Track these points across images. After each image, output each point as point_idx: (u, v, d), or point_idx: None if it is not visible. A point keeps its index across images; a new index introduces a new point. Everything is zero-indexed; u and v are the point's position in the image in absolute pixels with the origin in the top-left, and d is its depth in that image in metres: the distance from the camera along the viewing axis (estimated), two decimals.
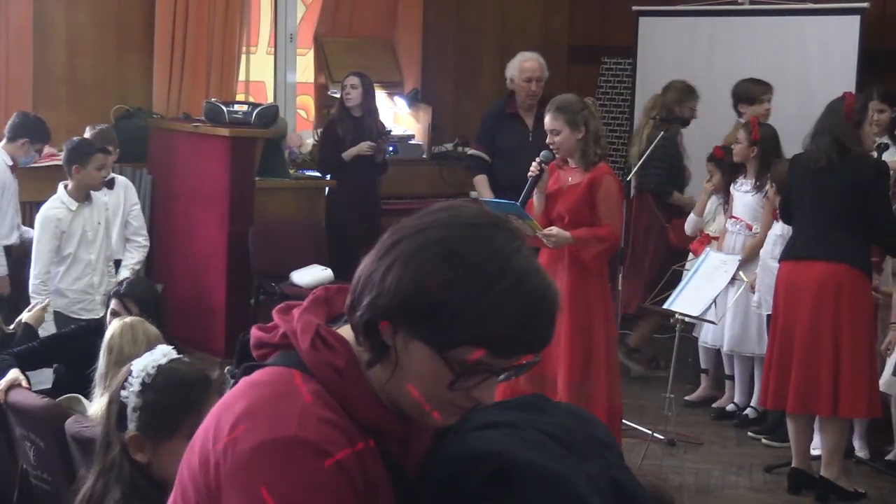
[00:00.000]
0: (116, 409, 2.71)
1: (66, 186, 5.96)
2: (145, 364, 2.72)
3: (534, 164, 5.31)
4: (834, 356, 5.17)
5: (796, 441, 5.40)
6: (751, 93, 6.73)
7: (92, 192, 5.99)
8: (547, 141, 5.32)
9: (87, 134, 6.43)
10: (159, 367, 2.72)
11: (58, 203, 5.93)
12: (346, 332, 1.61)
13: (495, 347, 1.50)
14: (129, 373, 2.73)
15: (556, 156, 5.32)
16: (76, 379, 4.41)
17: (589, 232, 5.22)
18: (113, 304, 4.57)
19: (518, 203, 5.22)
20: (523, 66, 6.85)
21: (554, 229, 5.21)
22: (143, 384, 2.69)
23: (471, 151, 7.21)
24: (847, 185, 5.18)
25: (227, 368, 3.31)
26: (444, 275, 1.49)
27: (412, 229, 1.55)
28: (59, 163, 7.00)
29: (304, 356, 1.59)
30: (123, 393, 2.70)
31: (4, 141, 6.38)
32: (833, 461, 5.29)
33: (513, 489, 1.54)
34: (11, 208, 6.41)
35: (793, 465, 5.41)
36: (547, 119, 5.29)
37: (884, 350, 5.52)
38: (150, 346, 3.80)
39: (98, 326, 4.74)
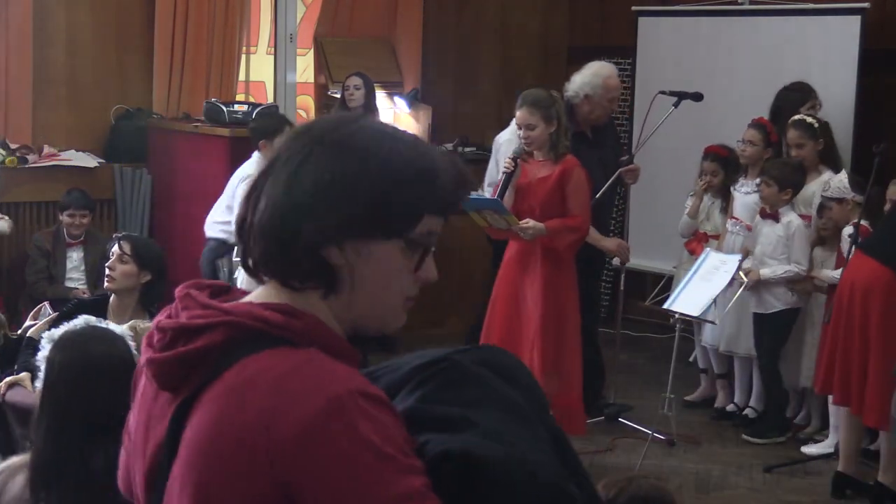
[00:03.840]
0: None
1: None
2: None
3: (507, 159, 5.53)
4: (862, 356, 5.12)
5: (845, 442, 5.35)
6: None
7: None
8: (521, 136, 5.47)
9: None
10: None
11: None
12: (266, 295, 1.52)
13: (446, 210, 1.53)
14: None
15: (526, 150, 5.47)
16: None
17: (561, 223, 5.41)
18: (114, 247, 4.70)
19: (496, 197, 5.41)
20: (608, 83, 6.20)
21: (530, 222, 5.39)
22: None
23: None
24: None
25: None
26: (366, 161, 1.48)
27: (298, 149, 1.50)
28: (59, 163, 7.05)
29: (283, 332, 1.45)
30: None
31: None
32: (891, 466, 5.18)
33: (482, 486, 1.47)
34: None
35: (839, 468, 5.33)
36: (521, 114, 5.45)
37: None
38: None
39: (96, 301, 4.79)
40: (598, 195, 5.96)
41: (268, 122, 6.40)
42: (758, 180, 6.22)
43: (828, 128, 6.31)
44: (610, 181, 6.13)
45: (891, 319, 5.09)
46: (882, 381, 5.04)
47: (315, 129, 1.55)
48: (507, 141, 6.48)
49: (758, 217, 6.20)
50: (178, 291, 1.55)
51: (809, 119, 6.21)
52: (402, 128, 1.58)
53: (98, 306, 4.77)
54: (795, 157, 6.21)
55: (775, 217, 6.06)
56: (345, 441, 1.36)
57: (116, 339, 3.04)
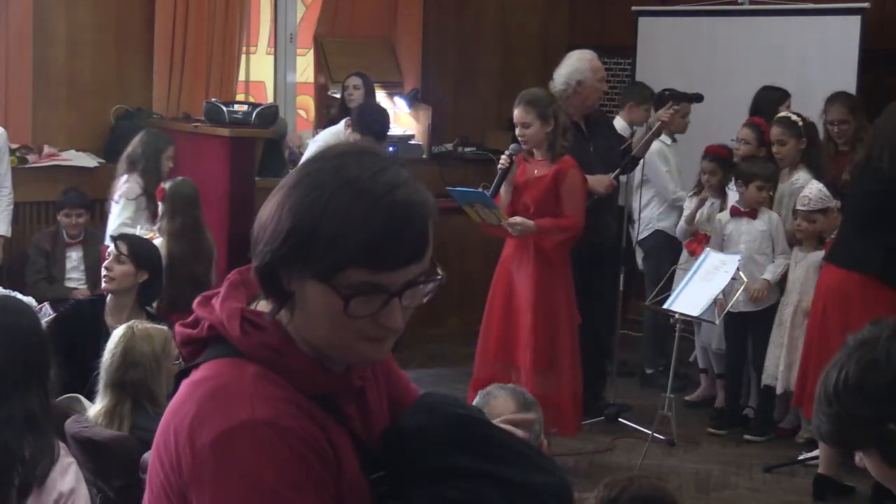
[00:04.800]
0: None
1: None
2: None
3: (503, 156, 5.54)
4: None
5: (824, 445, 5.36)
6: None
7: None
8: (517, 133, 5.50)
9: None
10: None
11: None
12: (265, 306, 1.66)
13: (372, 262, 1.54)
14: None
15: (524, 148, 5.49)
16: (83, 357, 4.43)
17: (552, 222, 5.43)
18: (110, 247, 4.70)
19: (489, 194, 5.45)
20: (594, 64, 6.21)
21: (518, 218, 5.42)
22: None
23: None
24: (868, 191, 5.17)
25: None
26: (312, 204, 1.55)
27: (292, 175, 1.63)
28: (59, 163, 7.05)
29: (237, 343, 1.62)
30: None
31: None
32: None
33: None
34: None
35: (819, 471, 5.34)
36: (517, 112, 5.48)
37: None
38: (162, 344, 3.82)
39: (93, 301, 4.80)
40: (634, 151, 6.18)
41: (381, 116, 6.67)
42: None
43: (814, 128, 6.28)
44: (650, 133, 6.25)
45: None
46: None
47: (309, 159, 1.68)
48: None
49: (727, 217, 6.21)
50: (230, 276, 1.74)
51: (794, 117, 6.21)
52: (383, 166, 1.59)
53: (95, 306, 4.78)
54: (776, 153, 6.21)
55: (753, 215, 6.08)
56: (238, 465, 1.52)
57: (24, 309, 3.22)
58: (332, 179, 1.57)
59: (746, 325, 6.17)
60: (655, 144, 6.66)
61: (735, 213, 6.21)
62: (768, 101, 6.72)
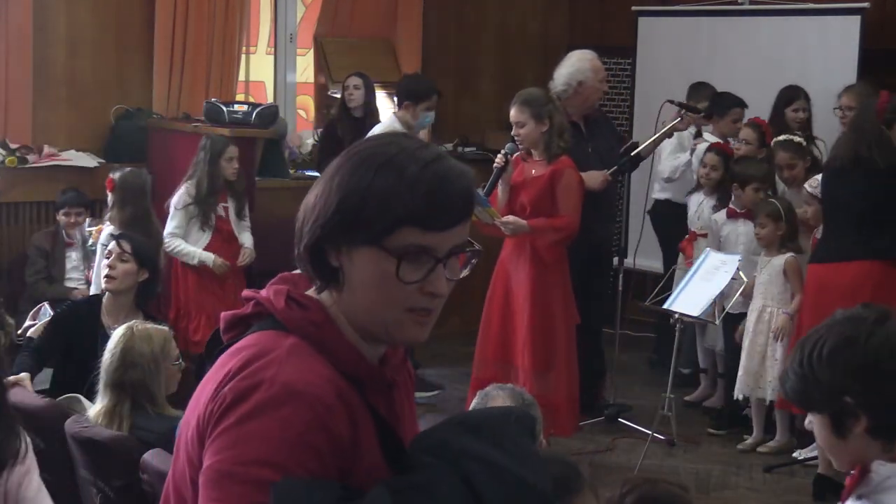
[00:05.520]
0: None
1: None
2: None
3: (499, 155, 5.55)
4: None
5: (822, 447, 5.32)
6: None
7: None
8: (512, 133, 5.52)
9: None
10: None
11: None
12: (312, 294, 1.75)
13: (424, 220, 1.64)
14: None
15: (520, 148, 5.49)
16: (80, 357, 4.43)
17: (546, 222, 5.46)
18: (110, 246, 4.68)
19: (483, 193, 5.44)
20: (595, 64, 6.23)
21: (511, 218, 5.45)
22: None
23: None
24: (859, 192, 5.17)
25: None
26: (361, 176, 1.66)
27: (334, 163, 1.73)
28: (59, 163, 7.05)
29: (280, 316, 1.70)
30: None
31: None
32: None
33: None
34: None
35: (819, 471, 5.34)
36: (512, 112, 5.50)
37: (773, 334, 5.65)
38: (162, 345, 3.82)
39: (89, 301, 4.78)
40: (647, 143, 6.20)
41: (418, 85, 6.70)
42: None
43: (811, 141, 6.36)
44: (665, 129, 6.26)
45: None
46: None
47: (349, 148, 1.76)
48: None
49: (723, 219, 6.22)
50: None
51: (797, 139, 6.24)
52: (423, 144, 1.73)
53: (92, 306, 4.75)
54: (786, 177, 6.24)
55: (749, 217, 6.09)
56: (246, 417, 1.59)
57: None
58: (375, 156, 1.68)
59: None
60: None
61: (732, 214, 6.21)
62: (781, 99, 6.80)
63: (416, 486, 1.59)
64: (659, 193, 7.19)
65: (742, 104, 6.87)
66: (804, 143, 6.21)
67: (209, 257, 6.39)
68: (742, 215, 6.16)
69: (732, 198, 6.29)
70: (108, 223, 5.96)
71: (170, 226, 6.37)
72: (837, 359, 2.15)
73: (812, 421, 2.24)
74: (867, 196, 5.18)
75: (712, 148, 6.62)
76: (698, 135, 6.86)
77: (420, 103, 6.53)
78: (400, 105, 6.64)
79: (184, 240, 6.37)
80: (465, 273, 1.74)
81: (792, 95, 6.78)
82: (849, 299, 5.14)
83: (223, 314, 1.80)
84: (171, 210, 6.37)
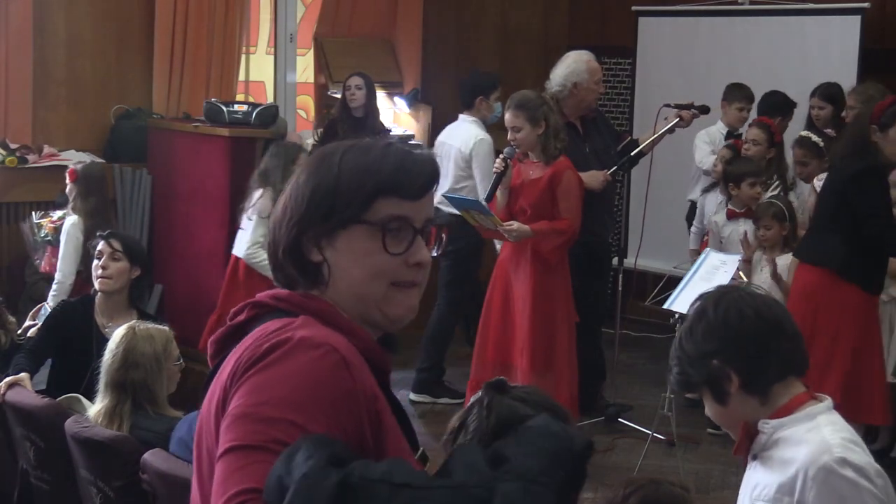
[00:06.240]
0: None
1: None
2: None
3: (498, 160, 5.54)
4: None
5: None
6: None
7: None
8: (508, 137, 5.51)
9: None
10: None
11: None
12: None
13: (398, 187, 1.70)
14: None
15: (517, 151, 5.49)
16: (74, 357, 4.43)
17: (548, 225, 5.44)
18: (100, 245, 4.64)
19: (485, 198, 5.46)
20: (591, 66, 6.17)
21: (514, 223, 5.43)
22: None
23: None
24: (833, 188, 5.18)
25: None
26: (328, 167, 1.73)
27: (294, 175, 1.80)
28: (59, 163, 7.04)
29: (285, 305, 1.71)
30: None
31: None
32: None
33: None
34: None
35: None
36: (507, 116, 5.49)
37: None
38: (164, 345, 3.82)
39: (82, 302, 4.77)
40: (643, 146, 6.19)
41: (483, 79, 6.77)
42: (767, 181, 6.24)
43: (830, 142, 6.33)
44: (665, 128, 6.23)
45: (836, 319, 5.09)
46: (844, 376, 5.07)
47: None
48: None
49: (723, 220, 6.22)
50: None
51: (815, 137, 6.22)
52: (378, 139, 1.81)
53: (85, 306, 4.73)
54: (798, 173, 6.23)
55: (749, 215, 6.09)
56: (272, 368, 1.58)
57: None
58: (334, 151, 1.76)
59: None
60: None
61: (731, 215, 6.21)
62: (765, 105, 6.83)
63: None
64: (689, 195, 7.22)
65: (750, 98, 6.88)
66: (820, 144, 6.18)
67: None
68: (742, 214, 6.16)
69: (731, 199, 6.29)
70: (70, 213, 5.98)
71: (255, 235, 6.06)
72: (695, 330, 2.42)
73: (706, 404, 2.48)
74: (829, 201, 5.19)
75: (727, 144, 6.66)
76: (729, 136, 6.87)
77: (490, 95, 6.62)
78: (471, 104, 6.65)
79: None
80: (436, 252, 1.79)
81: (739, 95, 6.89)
82: (798, 301, 5.18)
83: (215, 334, 1.78)
84: (255, 218, 6.08)
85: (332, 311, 1.70)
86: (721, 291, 2.50)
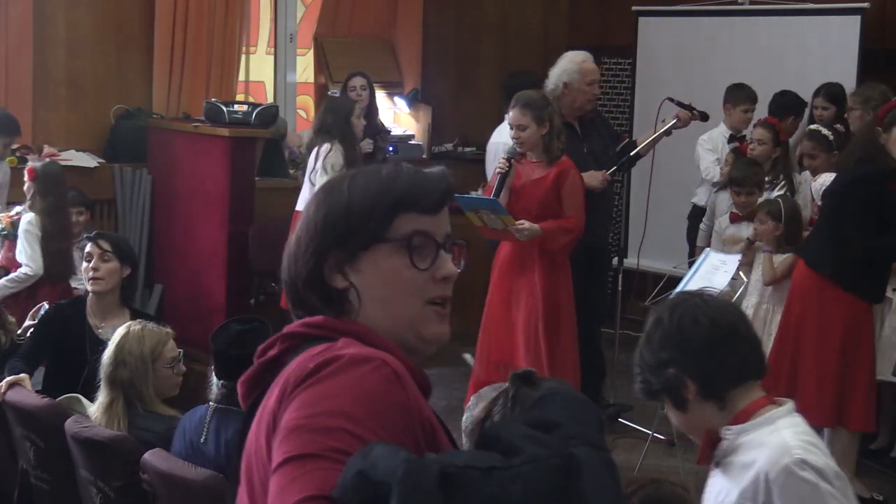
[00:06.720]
0: None
1: None
2: None
3: (501, 160, 5.53)
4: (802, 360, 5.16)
5: None
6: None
7: None
8: (512, 136, 5.50)
9: None
10: None
11: None
12: None
13: (413, 203, 1.67)
14: None
15: (518, 150, 5.49)
16: (68, 357, 4.43)
17: (556, 224, 5.44)
18: (88, 247, 4.63)
19: (494, 198, 5.41)
20: (584, 67, 6.13)
21: (525, 223, 5.41)
22: None
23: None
24: (833, 188, 5.18)
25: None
26: (339, 192, 1.70)
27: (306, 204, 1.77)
28: (59, 163, 7.04)
29: (322, 332, 1.64)
30: None
31: None
32: (842, 467, 5.16)
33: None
34: None
35: None
36: (513, 114, 5.46)
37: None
38: (153, 346, 3.84)
39: (72, 304, 4.77)
40: (638, 149, 6.19)
41: (526, 78, 6.70)
42: (766, 179, 6.22)
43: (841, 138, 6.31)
44: (663, 129, 6.23)
45: (826, 322, 5.09)
46: (821, 382, 5.07)
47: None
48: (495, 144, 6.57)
49: (727, 223, 6.22)
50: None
51: (825, 131, 6.19)
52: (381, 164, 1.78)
53: (77, 307, 4.71)
54: (808, 166, 6.21)
55: (752, 218, 6.08)
56: (325, 382, 1.53)
57: None
58: (341, 179, 1.74)
59: None
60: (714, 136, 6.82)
61: (735, 218, 6.19)
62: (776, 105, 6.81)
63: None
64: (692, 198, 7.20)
65: (754, 98, 6.86)
66: (830, 137, 6.16)
67: None
68: (744, 218, 6.13)
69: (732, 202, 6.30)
70: (27, 210, 6.03)
71: None
72: (653, 339, 2.45)
73: (668, 412, 2.51)
74: (830, 202, 5.19)
75: (733, 148, 6.64)
76: (732, 139, 6.86)
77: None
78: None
79: None
80: (460, 269, 1.75)
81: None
82: (793, 301, 5.19)
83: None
84: (330, 170, 6.19)
85: (370, 333, 1.65)
86: (678, 299, 2.52)
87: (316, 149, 6.35)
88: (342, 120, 6.40)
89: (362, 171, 1.73)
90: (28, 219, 5.90)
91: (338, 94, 7.73)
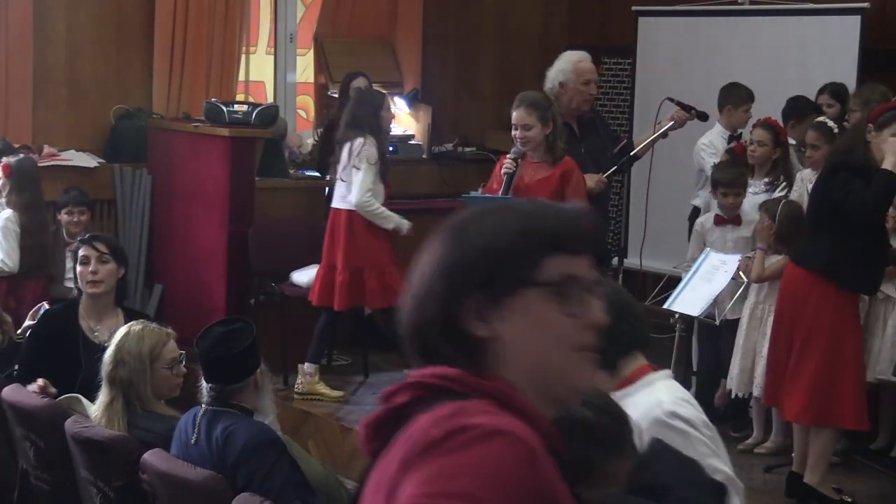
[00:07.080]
0: None
1: None
2: None
3: (508, 160, 5.49)
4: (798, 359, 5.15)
5: (797, 444, 5.36)
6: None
7: None
8: (517, 135, 5.47)
9: None
10: None
11: None
12: None
13: (565, 243, 1.54)
14: None
15: (521, 150, 5.47)
16: (63, 361, 4.42)
17: None
18: (83, 250, 4.61)
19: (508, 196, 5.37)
20: (579, 67, 6.06)
21: None
22: None
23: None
24: (817, 186, 5.18)
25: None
26: (475, 234, 1.54)
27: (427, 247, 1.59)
28: (59, 163, 7.05)
29: (460, 387, 1.50)
30: None
31: None
32: (817, 467, 5.16)
33: None
34: None
35: (793, 468, 5.35)
36: (518, 114, 5.45)
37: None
38: (152, 346, 3.86)
39: (66, 307, 4.76)
40: (636, 150, 6.18)
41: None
42: (766, 180, 6.21)
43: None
44: (661, 131, 6.22)
45: (826, 321, 5.07)
46: (812, 380, 5.06)
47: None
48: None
49: (710, 224, 6.20)
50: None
51: (831, 123, 6.18)
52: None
53: (68, 311, 4.69)
54: (808, 156, 6.18)
55: (737, 221, 6.07)
56: (456, 457, 1.39)
57: None
58: (467, 216, 1.58)
59: (721, 329, 6.10)
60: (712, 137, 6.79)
61: (719, 221, 6.18)
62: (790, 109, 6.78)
63: None
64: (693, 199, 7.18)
65: (752, 96, 6.85)
66: (835, 130, 6.15)
67: (405, 224, 6.25)
68: (729, 221, 6.12)
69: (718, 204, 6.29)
70: (4, 207, 6.04)
71: (367, 181, 6.15)
72: None
73: None
74: (814, 199, 5.20)
75: (730, 149, 6.63)
76: (731, 139, 6.84)
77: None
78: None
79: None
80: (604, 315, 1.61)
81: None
82: (783, 301, 5.19)
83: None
84: (364, 166, 6.17)
85: (511, 393, 1.50)
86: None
87: (349, 144, 6.31)
88: (371, 113, 6.38)
89: (488, 208, 1.59)
90: (6, 215, 5.93)
91: (337, 94, 7.73)
